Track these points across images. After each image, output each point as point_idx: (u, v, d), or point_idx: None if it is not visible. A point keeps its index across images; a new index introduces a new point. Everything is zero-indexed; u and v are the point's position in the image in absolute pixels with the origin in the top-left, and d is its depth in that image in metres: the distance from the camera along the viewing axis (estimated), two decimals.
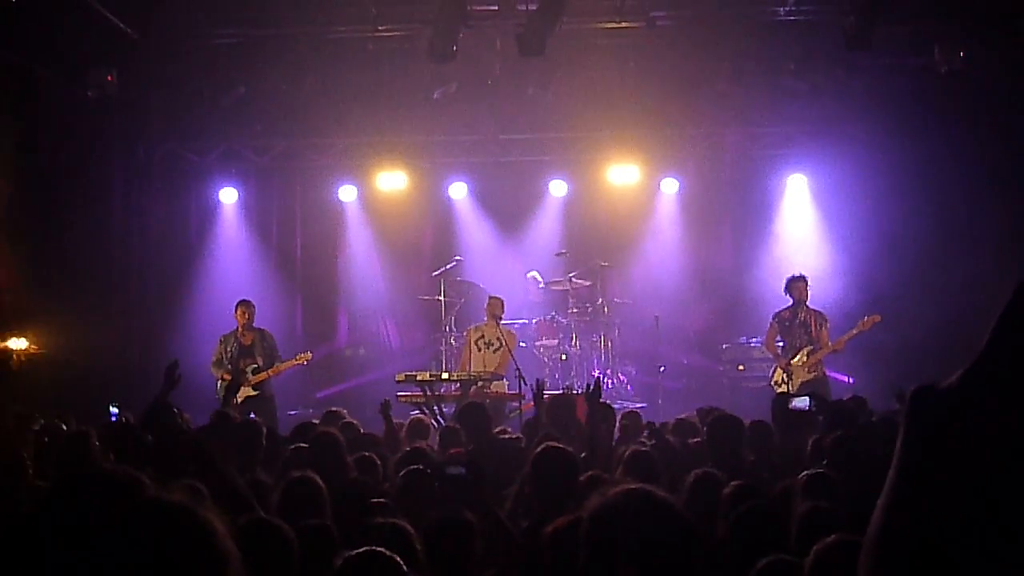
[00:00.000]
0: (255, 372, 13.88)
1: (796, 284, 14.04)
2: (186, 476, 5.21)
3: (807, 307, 14.03)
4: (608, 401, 12.17)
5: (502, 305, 14.90)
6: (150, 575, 2.22)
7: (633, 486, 3.18)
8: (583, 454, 6.76)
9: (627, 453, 6.83)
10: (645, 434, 8.90)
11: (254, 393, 13.81)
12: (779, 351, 14.15)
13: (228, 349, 13.98)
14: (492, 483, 5.85)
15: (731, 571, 4.45)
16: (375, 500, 5.73)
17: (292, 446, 8.02)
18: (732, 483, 5.34)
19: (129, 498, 2.85)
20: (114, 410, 10.58)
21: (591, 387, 7.94)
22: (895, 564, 2.07)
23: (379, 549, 4.05)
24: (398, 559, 4.03)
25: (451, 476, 5.51)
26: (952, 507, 2.04)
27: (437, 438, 9.53)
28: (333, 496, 5.70)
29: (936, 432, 2.11)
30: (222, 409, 8.97)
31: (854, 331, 13.80)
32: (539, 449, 5.93)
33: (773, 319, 14.25)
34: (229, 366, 13.83)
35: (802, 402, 9.76)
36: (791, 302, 14.07)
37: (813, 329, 13.89)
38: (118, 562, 2.21)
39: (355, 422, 9.77)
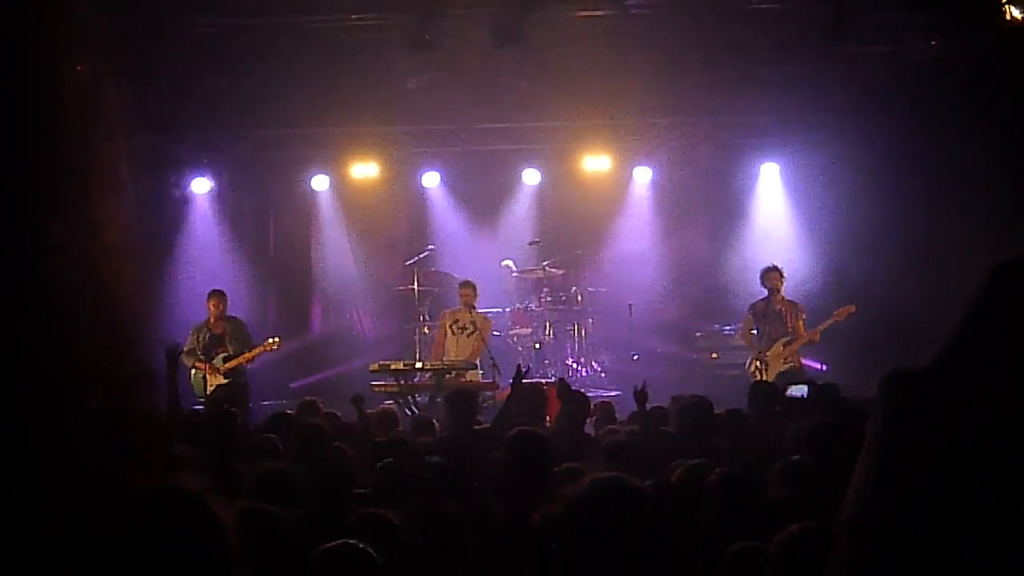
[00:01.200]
0: (225, 360, 13.87)
1: (770, 274, 14.09)
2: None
3: (782, 297, 14.08)
4: (583, 389, 12.24)
5: (474, 291, 14.87)
6: (161, 562, 2.22)
7: (607, 475, 3.19)
8: None
9: (604, 444, 6.86)
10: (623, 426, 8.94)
11: (224, 381, 13.81)
12: (754, 341, 14.20)
13: (200, 339, 13.95)
14: (471, 471, 5.86)
15: (713, 558, 4.47)
16: (356, 491, 5.72)
17: (266, 436, 7.99)
18: (717, 471, 5.34)
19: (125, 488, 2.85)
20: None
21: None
22: (873, 543, 2.09)
23: (353, 542, 4.06)
24: (371, 551, 4.03)
25: (428, 465, 5.51)
26: (927, 487, 2.06)
27: (410, 426, 9.56)
28: (314, 486, 5.69)
29: (910, 414, 2.13)
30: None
31: (829, 320, 13.86)
32: (512, 433, 5.92)
33: (748, 310, 14.32)
34: (201, 355, 13.81)
35: (799, 391, 9.82)
36: (766, 292, 14.13)
37: (788, 320, 13.94)
38: (128, 550, 2.22)
39: (336, 412, 9.77)
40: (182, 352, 8.93)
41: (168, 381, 8.35)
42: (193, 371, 13.77)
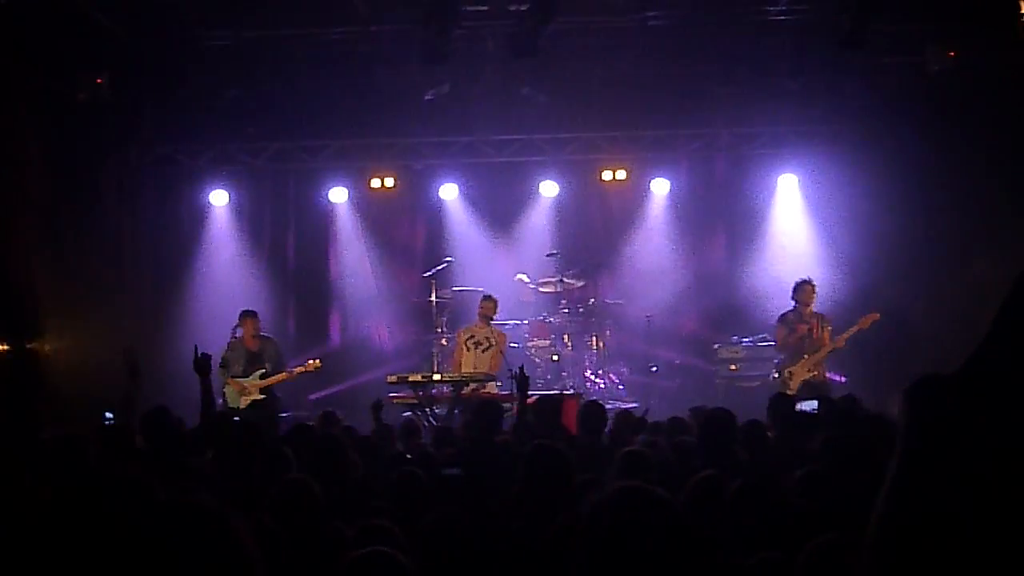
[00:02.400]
0: (263, 377, 13.99)
1: (804, 287, 14.15)
2: (181, 479, 5.19)
3: (811, 310, 14.12)
4: (601, 401, 12.23)
5: (495, 306, 14.92)
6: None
7: (630, 484, 3.17)
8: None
9: (621, 453, 6.83)
10: (641, 436, 8.91)
11: (261, 397, 13.94)
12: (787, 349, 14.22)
13: (238, 356, 14.05)
14: (490, 484, 5.84)
15: (733, 569, 4.45)
16: (372, 503, 5.71)
17: (289, 448, 8.00)
18: (736, 483, 5.31)
19: (143, 501, 2.85)
20: (109, 415, 10.58)
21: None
22: (899, 551, 2.08)
23: (385, 549, 4.04)
24: (405, 559, 4.01)
25: (447, 477, 5.50)
26: (954, 495, 2.05)
27: (431, 438, 9.56)
28: (330, 499, 5.68)
29: (938, 421, 2.12)
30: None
31: (854, 329, 13.90)
32: (531, 448, 5.89)
33: (778, 322, 14.32)
34: (239, 372, 14.04)
35: (809, 405, 9.80)
36: (794, 305, 14.15)
37: (816, 331, 13.96)
38: (144, 566, 2.21)
39: (353, 426, 9.79)
40: (214, 361, 9.12)
41: (203, 393, 8.44)
42: (227, 386, 13.95)
